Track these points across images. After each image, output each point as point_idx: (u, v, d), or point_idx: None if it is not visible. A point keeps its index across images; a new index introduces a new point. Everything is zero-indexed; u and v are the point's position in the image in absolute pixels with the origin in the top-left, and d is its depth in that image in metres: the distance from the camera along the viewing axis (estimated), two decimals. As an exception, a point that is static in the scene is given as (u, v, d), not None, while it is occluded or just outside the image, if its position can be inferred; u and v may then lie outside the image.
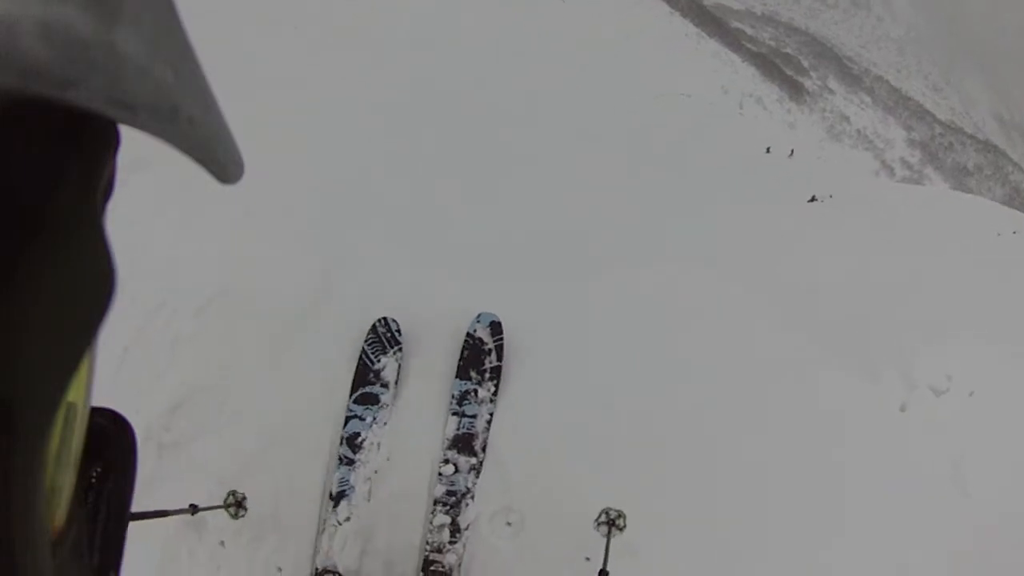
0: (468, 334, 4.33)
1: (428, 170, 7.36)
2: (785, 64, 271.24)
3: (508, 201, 7.32)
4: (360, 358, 4.25)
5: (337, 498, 3.86)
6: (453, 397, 4.16)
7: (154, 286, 4.16)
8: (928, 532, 3.87)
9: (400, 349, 4.30)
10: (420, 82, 12.39)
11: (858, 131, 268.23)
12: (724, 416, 4.17)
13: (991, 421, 4.49)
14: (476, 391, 4.16)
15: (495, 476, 3.99)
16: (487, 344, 4.30)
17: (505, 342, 4.31)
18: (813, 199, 16.43)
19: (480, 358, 4.27)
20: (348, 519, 3.81)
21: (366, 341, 4.29)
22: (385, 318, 4.35)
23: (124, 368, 3.93)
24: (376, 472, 3.99)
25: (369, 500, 3.87)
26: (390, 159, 7.25)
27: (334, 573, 3.70)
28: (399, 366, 4.27)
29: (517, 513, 3.84)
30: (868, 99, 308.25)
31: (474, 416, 4.08)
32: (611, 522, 3.24)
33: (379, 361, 4.23)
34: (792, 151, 39.72)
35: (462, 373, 4.24)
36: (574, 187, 9.17)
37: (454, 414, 4.10)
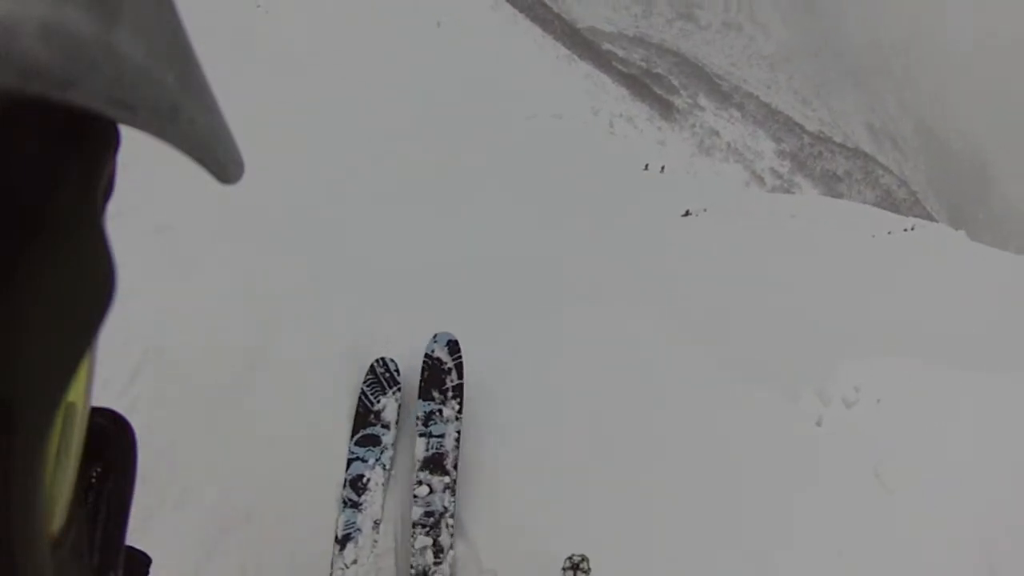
0: (426, 354, 4.26)
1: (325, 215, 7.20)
2: (656, 83, 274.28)
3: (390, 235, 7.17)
4: (359, 399, 4.15)
5: (343, 541, 3.75)
6: (418, 419, 4.10)
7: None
8: (860, 531, 4.02)
9: (399, 389, 4.21)
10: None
11: (728, 144, 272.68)
12: (664, 445, 4.25)
13: (899, 421, 4.74)
14: (440, 411, 4.12)
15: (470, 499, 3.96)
16: (446, 363, 4.25)
17: (464, 360, 4.25)
18: (687, 213, 16.69)
19: (440, 377, 4.22)
20: (355, 562, 3.71)
21: (364, 383, 4.19)
22: (383, 359, 4.26)
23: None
24: (380, 518, 3.88)
25: (376, 543, 3.79)
26: (320, 189, 7.11)
27: None
28: (399, 406, 4.18)
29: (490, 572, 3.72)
30: (738, 114, 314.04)
31: (442, 435, 4.03)
32: (575, 567, 3.29)
33: (379, 402, 4.16)
34: (663, 167, 40.21)
35: (424, 394, 4.18)
36: (455, 213, 9.27)
37: (421, 435, 4.04)
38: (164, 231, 4.58)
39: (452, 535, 3.80)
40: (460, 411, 4.17)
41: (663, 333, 5.19)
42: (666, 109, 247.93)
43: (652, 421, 4.37)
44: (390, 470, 4.06)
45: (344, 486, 3.92)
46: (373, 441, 4.08)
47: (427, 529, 3.78)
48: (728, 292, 7.19)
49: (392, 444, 4.11)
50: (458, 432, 4.10)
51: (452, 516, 3.84)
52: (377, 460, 4.03)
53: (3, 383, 0.36)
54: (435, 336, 4.35)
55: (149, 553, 1.00)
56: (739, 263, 9.22)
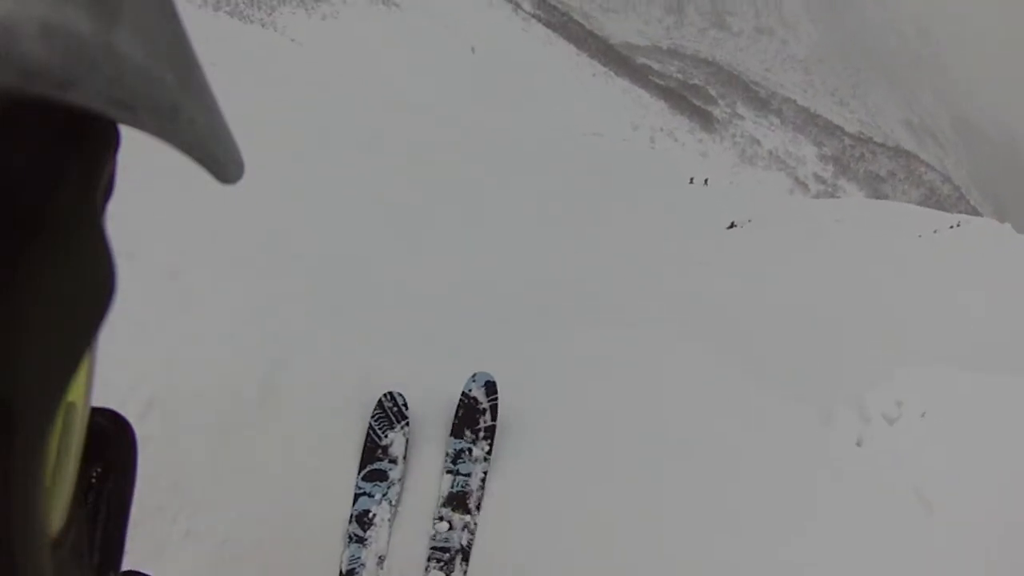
0: (463, 393, 4.23)
1: (367, 234, 7.21)
2: (693, 95, 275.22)
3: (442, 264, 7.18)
4: (367, 434, 4.12)
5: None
6: (447, 455, 4.10)
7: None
8: (903, 552, 3.90)
9: (407, 423, 4.19)
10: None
11: (770, 152, 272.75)
12: (693, 477, 4.12)
13: (946, 436, 4.59)
14: (470, 450, 4.11)
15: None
16: (482, 404, 4.24)
17: (500, 402, 4.24)
18: (732, 225, 16.56)
19: (475, 417, 4.21)
20: None
21: (373, 417, 4.16)
22: (391, 392, 4.21)
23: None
24: (385, 554, 3.84)
25: None
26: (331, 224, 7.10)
27: None
28: (407, 441, 4.17)
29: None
30: (777, 120, 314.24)
31: (468, 475, 4.05)
32: None
33: (386, 436, 4.14)
34: (707, 180, 40.17)
35: (457, 432, 4.14)
36: (501, 239, 8.97)
37: (448, 472, 4.03)
38: (175, 273, 4.59)
39: (465, 574, 3.79)
40: (490, 452, 4.14)
41: (703, 361, 5.07)
42: (706, 120, 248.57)
43: (681, 455, 4.27)
44: (396, 506, 3.98)
45: (350, 521, 3.88)
46: (380, 476, 4.07)
47: (441, 564, 3.77)
48: (767, 307, 7.02)
49: (399, 480, 4.04)
50: (484, 473, 4.06)
51: (468, 557, 3.83)
52: (384, 495, 4.00)
53: (3, 383, 0.36)
54: (474, 376, 4.30)
55: None
56: (782, 275, 9.08)
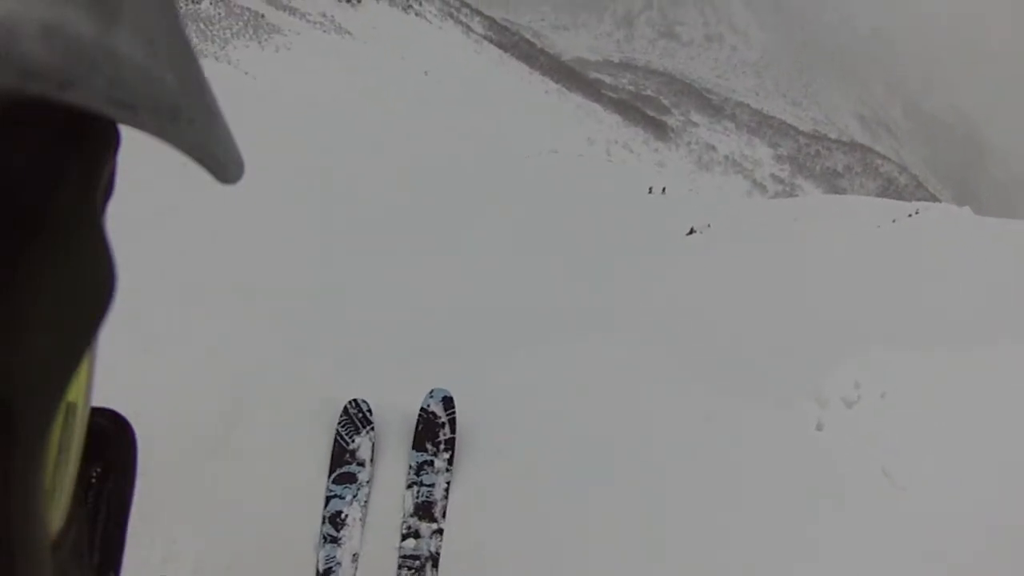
0: (422, 409, 4.34)
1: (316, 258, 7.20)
2: (647, 106, 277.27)
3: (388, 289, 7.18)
4: (335, 440, 4.21)
5: (325, 575, 3.76)
6: (411, 467, 4.17)
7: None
8: (875, 533, 3.89)
9: (372, 428, 4.28)
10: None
11: (725, 157, 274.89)
12: (654, 474, 4.19)
13: (908, 415, 4.57)
14: (432, 461, 4.20)
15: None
16: (440, 418, 4.33)
17: (459, 416, 4.33)
18: (692, 231, 16.66)
19: (435, 430, 4.32)
20: None
21: (339, 423, 4.26)
22: (356, 400, 4.34)
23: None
24: (361, 548, 3.90)
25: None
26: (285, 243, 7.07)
27: None
28: (373, 444, 4.24)
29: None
30: (732, 125, 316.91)
31: (432, 485, 4.13)
32: None
33: (353, 441, 4.22)
34: (664, 188, 40.33)
35: (418, 445, 4.25)
36: (461, 261, 8.96)
37: (413, 484, 4.11)
38: (128, 298, 4.59)
39: None
40: (451, 463, 4.22)
41: (655, 361, 5.12)
42: (660, 130, 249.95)
43: (639, 454, 4.32)
44: (367, 506, 4.07)
45: (323, 523, 3.95)
46: (350, 479, 4.12)
47: (412, 572, 3.83)
48: (724, 307, 7.06)
49: (368, 481, 4.14)
50: (447, 483, 4.15)
51: (436, 562, 3.87)
52: (354, 496, 4.06)
53: (3, 383, 0.35)
54: (431, 391, 4.40)
55: None
56: (739, 275, 9.14)
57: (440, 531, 3.96)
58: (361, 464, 4.18)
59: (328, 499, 4.03)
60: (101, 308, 0.43)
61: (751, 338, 6.02)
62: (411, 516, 4.00)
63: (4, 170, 0.34)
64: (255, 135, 11.63)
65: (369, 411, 4.32)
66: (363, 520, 4.02)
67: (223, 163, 0.48)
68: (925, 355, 5.09)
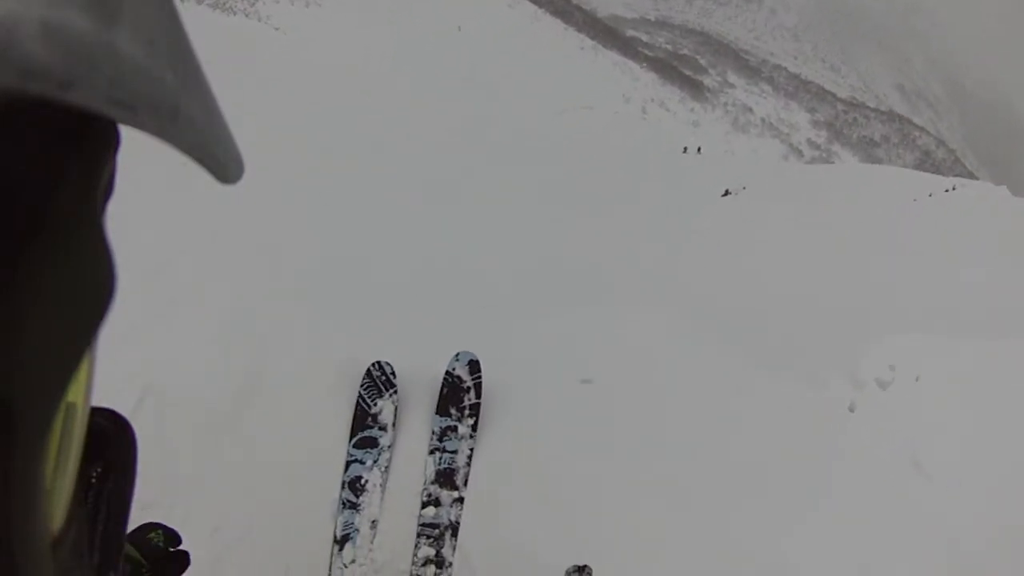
0: (447, 372, 4.30)
1: (351, 214, 7.14)
2: (683, 65, 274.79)
3: (430, 242, 7.11)
4: (357, 403, 4.19)
5: (342, 542, 3.78)
6: (434, 433, 4.15)
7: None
8: (898, 520, 3.82)
9: (395, 391, 4.25)
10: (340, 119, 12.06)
11: (762, 119, 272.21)
12: (681, 445, 4.15)
13: (941, 400, 4.50)
14: (456, 427, 4.16)
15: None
16: (466, 382, 4.28)
17: (484, 380, 4.28)
18: (727, 193, 16.53)
19: (459, 395, 4.26)
20: (354, 561, 3.74)
21: (362, 386, 4.23)
22: (379, 362, 4.29)
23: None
24: (380, 515, 3.92)
25: (373, 542, 3.81)
26: (319, 199, 7.01)
27: None
28: (396, 408, 4.22)
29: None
30: (769, 88, 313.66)
31: (455, 452, 4.08)
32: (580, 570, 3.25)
33: (376, 404, 4.18)
34: (699, 148, 40.02)
35: (442, 410, 4.22)
36: (494, 220, 8.92)
37: (435, 450, 4.10)
38: (160, 270, 4.62)
39: (455, 549, 3.80)
40: (475, 429, 4.18)
41: (687, 329, 5.06)
42: (697, 90, 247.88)
43: (667, 425, 4.28)
44: (387, 471, 4.08)
45: (343, 488, 3.96)
46: (371, 443, 4.11)
47: (431, 540, 3.81)
48: (760, 277, 6.98)
49: (389, 446, 4.13)
50: (471, 450, 4.11)
51: (456, 531, 3.85)
52: (375, 462, 4.05)
53: (3, 383, 0.35)
54: (457, 355, 4.36)
55: None
56: (775, 242, 9.05)
57: (461, 499, 3.93)
58: (383, 428, 4.15)
59: (348, 464, 4.02)
60: (101, 308, 0.43)
61: (785, 309, 5.94)
62: (432, 483, 3.98)
63: (4, 170, 0.33)
64: (284, 94, 11.59)
65: (393, 374, 4.28)
66: (383, 486, 4.01)
67: (223, 163, 0.47)
68: (962, 341, 5.00)
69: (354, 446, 4.08)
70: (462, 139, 15.83)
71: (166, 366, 4.03)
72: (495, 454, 4.09)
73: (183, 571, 0.90)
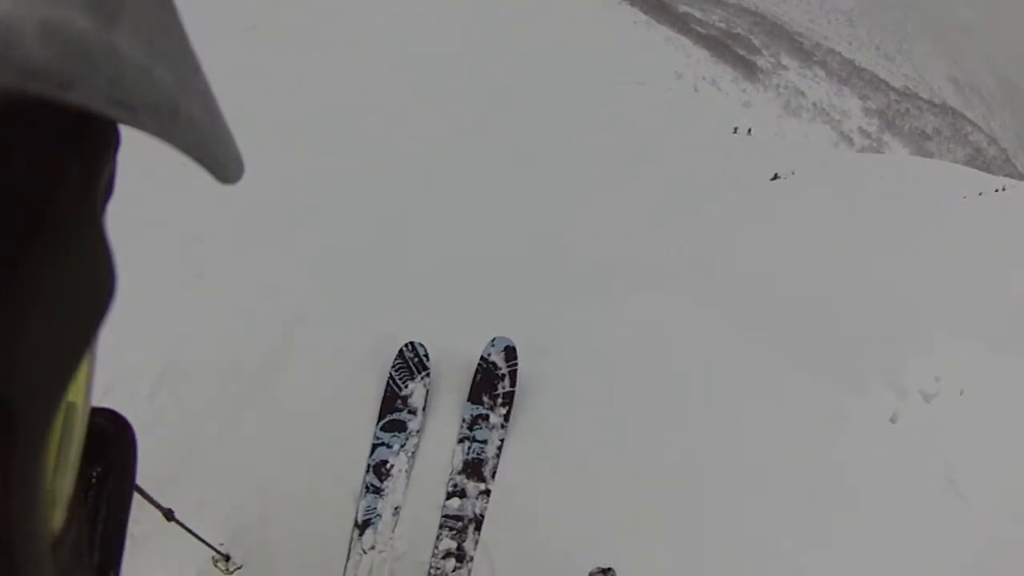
0: (482, 358, 4.24)
1: (410, 191, 7.12)
2: (737, 44, 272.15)
3: (485, 217, 7.07)
4: (387, 384, 4.16)
5: (363, 527, 3.77)
6: (464, 421, 4.08)
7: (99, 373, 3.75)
8: (928, 541, 3.73)
9: (428, 374, 4.21)
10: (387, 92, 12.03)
11: (814, 104, 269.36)
12: (712, 448, 4.08)
13: (984, 418, 4.39)
14: (488, 416, 4.08)
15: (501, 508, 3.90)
16: (501, 369, 4.22)
17: (520, 368, 4.22)
18: (776, 177, 16.36)
19: (493, 383, 4.19)
20: (373, 547, 3.72)
21: (393, 367, 4.20)
22: (412, 343, 4.27)
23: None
24: (404, 502, 3.91)
25: (395, 530, 3.80)
26: (357, 179, 6.98)
27: None
28: (427, 392, 4.19)
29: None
30: (822, 72, 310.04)
31: (484, 441, 4.00)
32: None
33: (407, 387, 4.15)
34: (750, 130, 39.71)
35: (474, 397, 4.15)
36: (548, 194, 8.88)
37: (464, 438, 4.03)
38: (195, 241, 4.63)
39: (477, 543, 3.77)
40: (507, 419, 4.11)
41: (727, 326, 4.98)
42: (749, 70, 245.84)
43: (699, 426, 4.21)
44: (414, 457, 4.04)
45: (367, 471, 3.95)
46: (399, 427, 4.08)
47: (454, 533, 3.77)
48: (802, 270, 6.86)
49: (418, 431, 4.10)
50: (501, 440, 4.05)
51: (480, 525, 3.81)
52: (402, 447, 4.03)
53: (3, 383, 0.36)
54: (493, 340, 4.31)
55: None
56: (823, 233, 8.91)
57: (488, 492, 3.86)
58: (413, 412, 4.09)
59: (375, 447, 3.98)
60: (101, 308, 0.43)
61: (829, 310, 5.81)
62: (459, 473, 3.92)
63: (4, 170, 0.33)
64: (307, 70, 11.51)
65: (426, 355, 4.25)
66: (409, 472, 3.96)
67: (223, 163, 0.48)
68: (1009, 355, 4.87)
69: (382, 429, 4.02)
70: (512, 111, 15.77)
71: (189, 339, 4.01)
72: (525, 446, 4.02)
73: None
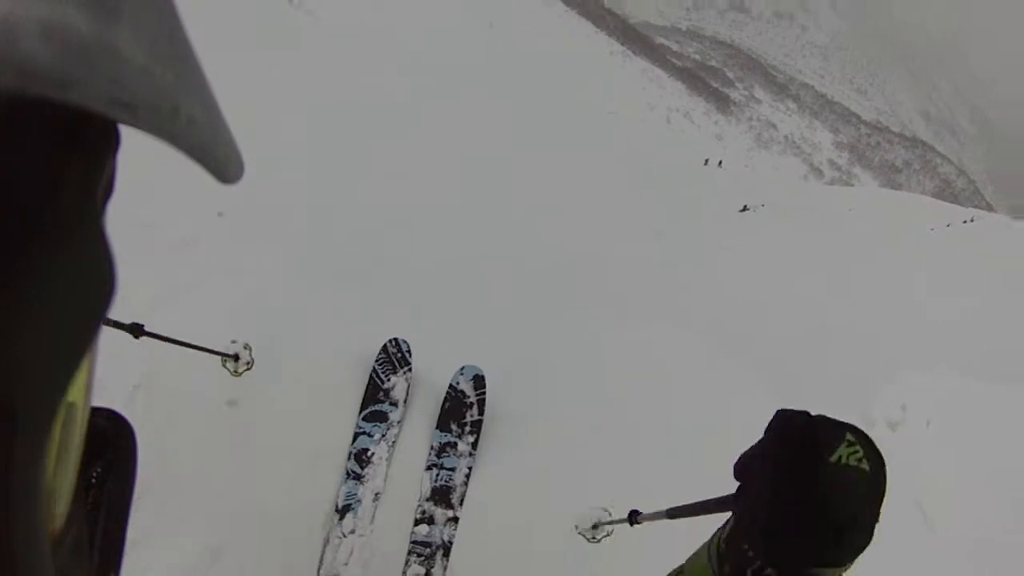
0: (451, 386, 4.25)
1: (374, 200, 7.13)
2: (711, 77, 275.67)
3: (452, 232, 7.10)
4: (371, 376, 4.20)
5: (343, 511, 3.79)
6: (432, 448, 4.09)
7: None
8: (895, 568, 3.80)
9: (409, 369, 4.26)
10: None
11: (785, 137, 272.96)
12: (688, 475, 4.09)
13: (950, 448, 4.41)
14: (456, 444, 4.11)
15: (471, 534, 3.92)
16: (469, 397, 4.25)
17: (488, 397, 4.26)
18: (744, 208, 16.52)
19: (461, 411, 4.22)
20: (353, 532, 3.76)
21: (376, 361, 4.25)
22: (396, 339, 4.32)
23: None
24: (381, 491, 3.95)
25: (373, 520, 3.81)
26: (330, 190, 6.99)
27: None
28: (408, 386, 4.22)
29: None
30: (794, 105, 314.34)
31: (452, 469, 4.03)
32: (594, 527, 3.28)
33: (389, 380, 4.20)
34: (720, 161, 40.09)
35: (443, 425, 4.15)
36: (502, 219, 8.92)
37: (432, 466, 4.03)
38: (182, 244, 4.69)
39: (445, 569, 3.76)
40: (475, 447, 4.12)
41: (697, 352, 5.01)
42: (723, 103, 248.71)
43: (666, 457, 4.21)
44: (394, 446, 4.05)
45: (348, 458, 3.97)
46: (381, 417, 4.12)
47: (422, 559, 3.77)
48: (773, 300, 6.92)
49: (399, 422, 4.11)
50: (469, 468, 4.06)
51: (448, 552, 3.80)
52: (383, 436, 4.07)
53: (3, 383, 0.36)
54: (462, 369, 4.31)
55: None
56: (790, 264, 8.99)
57: (455, 519, 3.87)
58: (394, 404, 4.15)
59: (356, 435, 4.03)
60: (101, 309, 0.43)
61: (798, 341, 5.85)
62: (427, 500, 3.92)
63: (4, 170, 0.33)
64: (320, 76, 11.55)
65: (408, 352, 4.31)
66: (389, 460, 4.00)
67: (223, 163, 0.46)
68: (974, 386, 4.93)
69: (363, 419, 4.07)
70: (486, 134, 15.82)
71: (186, 332, 3.97)
72: (497, 469, 4.06)
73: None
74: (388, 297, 5.02)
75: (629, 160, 20.46)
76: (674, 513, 1.90)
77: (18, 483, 0.40)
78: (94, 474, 0.80)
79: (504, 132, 17.57)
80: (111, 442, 0.83)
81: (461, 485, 3.99)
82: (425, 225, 6.96)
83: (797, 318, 6.42)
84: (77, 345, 0.43)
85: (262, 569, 3.55)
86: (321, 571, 3.61)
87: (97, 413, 0.79)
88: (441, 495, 3.92)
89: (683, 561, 1.36)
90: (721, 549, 1.11)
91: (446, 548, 3.79)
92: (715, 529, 1.23)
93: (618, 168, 17.71)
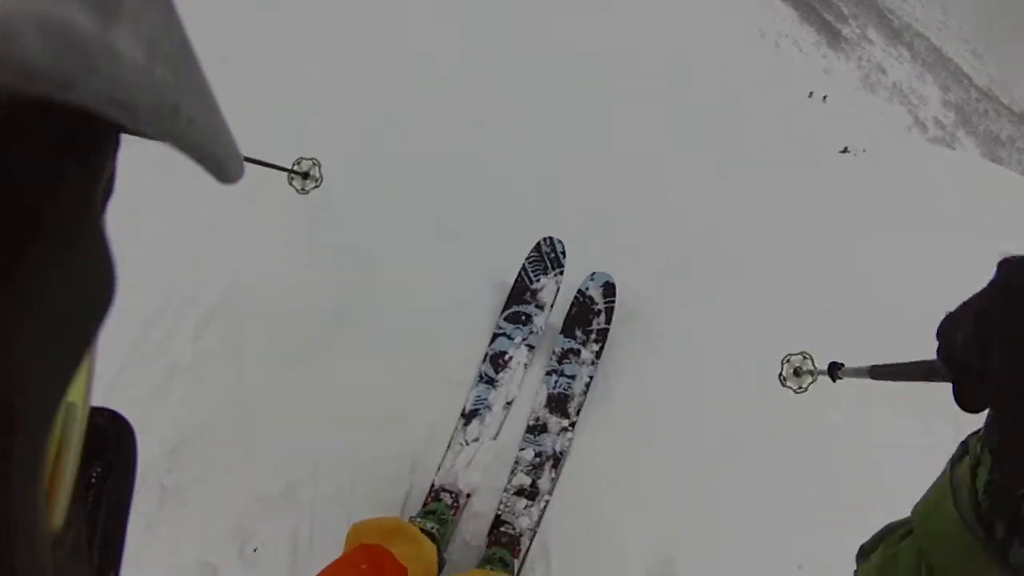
0: (579, 291, 4.06)
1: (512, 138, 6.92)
2: (824, 9, 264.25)
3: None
4: (518, 275, 4.06)
5: (469, 416, 3.71)
6: (554, 353, 3.95)
7: (144, 299, 3.81)
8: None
9: (562, 272, 4.07)
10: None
11: (894, 84, 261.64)
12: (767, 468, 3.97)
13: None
14: (579, 351, 3.90)
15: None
16: (597, 304, 4.03)
17: (617, 306, 4.03)
18: (845, 150, 16.09)
19: (588, 318, 4.01)
20: (477, 439, 3.66)
21: (527, 259, 4.08)
22: (551, 238, 4.10)
23: (113, 397, 3.48)
24: (516, 397, 3.80)
25: (500, 429, 3.73)
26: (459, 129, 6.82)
27: (450, 492, 3.50)
28: (557, 289, 4.05)
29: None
30: (907, 53, 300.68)
31: (573, 377, 3.82)
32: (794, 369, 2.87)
33: (538, 280, 4.03)
34: (825, 96, 38.79)
35: (567, 330, 4.03)
36: (619, 144, 8.70)
37: (552, 372, 3.90)
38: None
39: (554, 481, 3.64)
40: (599, 356, 3.97)
41: (799, 314, 4.89)
42: (833, 37, 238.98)
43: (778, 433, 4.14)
44: (534, 351, 3.95)
45: (484, 360, 3.87)
46: (524, 319, 3.98)
47: (530, 468, 3.64)
48: (866, 262, 6.86)
49: (542, 327, 3.98)
50: (590, 377, 3.90)
51: (558, 463, 3.67)
52: (524, 340, 3.94)
53: (3, 383, 0.36)
54: (592, 274, 4.16)
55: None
56: (884, 221, 8.79)
57: (570, 427, 3.74)
58: (540, 307, 4.03)
59: (495, 336, 3.94)
60: (101, 309, 0.44)
61: (888, 316, 5.63)
62: (543, 407, 3.81)
63: (4, 170, 0.34)
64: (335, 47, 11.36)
65: (563, 253, 4.11)
66: (527, 366, 3.91)
67: (223, 163, 0.50)
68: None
69: (505, 319, 3.96)
70: (592, 52, 15.40)
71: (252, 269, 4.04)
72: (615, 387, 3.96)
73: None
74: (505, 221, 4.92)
75: (732, 87, 20.00)
76: (877, 372, 1.78)
77: (18, 483, 0.40)
78: (94, 474, 0.78)
79: (595, 58, 17.26)
80: (111, 442, 0.82)
81: (580, 395, 3.83)
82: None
83: (889, 293, 6.27)
84: (77, 346, 0.44)
85: (370, 477, 3.53)
86: (438, 477, 3.55)
87: (97, 413, 0.78)
88: (558, 403, 3.79)
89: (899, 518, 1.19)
90: (984, 505, 0.95)
91: (556, 459, 3.68)
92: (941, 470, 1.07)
93: (719, 93, 17.34)
